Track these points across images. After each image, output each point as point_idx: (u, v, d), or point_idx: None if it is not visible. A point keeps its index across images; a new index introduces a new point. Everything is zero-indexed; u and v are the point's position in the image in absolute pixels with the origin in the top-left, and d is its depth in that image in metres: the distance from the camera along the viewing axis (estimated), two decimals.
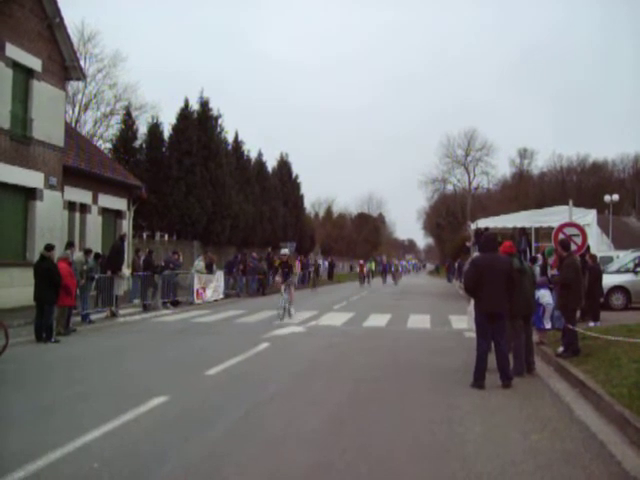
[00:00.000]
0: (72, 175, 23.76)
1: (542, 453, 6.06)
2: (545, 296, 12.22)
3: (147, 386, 9.04)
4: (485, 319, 9.40)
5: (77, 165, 24.68)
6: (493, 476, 5.45)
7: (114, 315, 19.11)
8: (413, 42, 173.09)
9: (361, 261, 47.49)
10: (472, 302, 10.75)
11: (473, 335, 11.10)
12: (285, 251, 21.32)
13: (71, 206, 24.47)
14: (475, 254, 12.81)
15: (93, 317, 17.76)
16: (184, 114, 39.61)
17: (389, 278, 53.49)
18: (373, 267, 50.30)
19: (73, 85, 40.53)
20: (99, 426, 6.75)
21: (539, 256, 16.10)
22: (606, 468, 5.68)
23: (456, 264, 55.39)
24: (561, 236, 14.04)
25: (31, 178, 20.88)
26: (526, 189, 72.19)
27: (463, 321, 14.34)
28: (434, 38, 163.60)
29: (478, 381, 9.20)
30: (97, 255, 18.44)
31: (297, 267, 43.87)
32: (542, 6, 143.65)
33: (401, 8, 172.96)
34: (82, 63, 32.64)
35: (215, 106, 42.15)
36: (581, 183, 73.43)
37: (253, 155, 51.81)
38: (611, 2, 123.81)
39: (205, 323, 17.93)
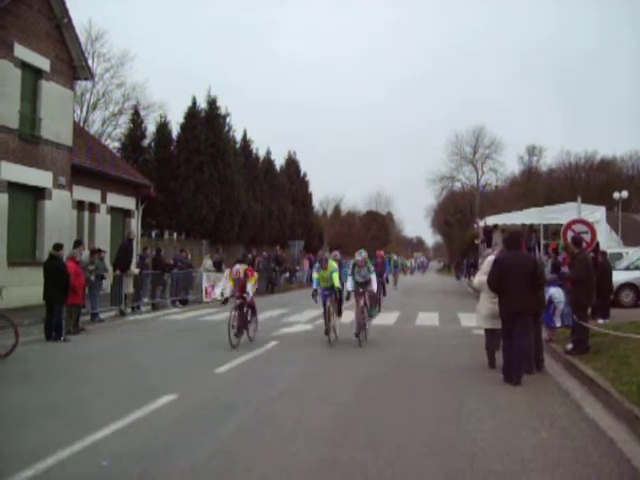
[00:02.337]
0: (81, 174, 23.82)
1: (551, 451, 6.05)
2: (556, 293, 12.20)
3: (156, 384, 9.07)
4: (508, 317, 9.40)
5: (86, 164, 24.73)
6: (502, 474, 5.44)
7: (123, 314, 19.18)
8: (421, 40, 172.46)
9: (237, 266, 13.95)
10: (481, 299, 10.76)
11: (482, 333, 11.11)
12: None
13: (80, 205, 24.56)
14: (488, 251, 12.76)
15: (102, 316, 17.83)
16: (192, 113, 39.59)
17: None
18: (334, 281, 13.76)
19: (81, 85, 40.53)
20: (108, 424, 6.78)
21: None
22: (616, 466, 5.66)
23: (465, 261, 55.36)
24: (570, 233, 14.00)
25: (40, 177, 20.96)
26: (535, 186, 71.76)
27: (472, 319, 14.31)
28: (442, 36, 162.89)
29: (509, 376, 9.24)
30: (99, 250, 18.49)
31: (305, 265, 44.00)
32: (548, 3, 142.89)
33: (408, 6, 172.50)
34: (90, 62, 32.71)
35: (223, 104, 41.97)
36: (590, 180, 72.83)
37: (261, 153, 51.79)
38: (610, 1, 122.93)
39: (214, 321, 17.94)
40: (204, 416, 7.39)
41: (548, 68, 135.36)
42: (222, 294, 17.84)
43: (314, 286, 13.90)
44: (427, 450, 6.10)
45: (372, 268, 14.17)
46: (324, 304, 13.84)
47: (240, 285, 13.53)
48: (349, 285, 13.93)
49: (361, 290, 13.70)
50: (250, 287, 13.42)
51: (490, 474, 5.43)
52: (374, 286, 13.95)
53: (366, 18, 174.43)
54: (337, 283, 13.66)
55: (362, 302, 13.56)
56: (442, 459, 5.83)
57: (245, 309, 13.35)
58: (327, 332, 13.58)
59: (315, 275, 14.06)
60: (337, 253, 16.77)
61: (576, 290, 11.07)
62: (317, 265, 14.16)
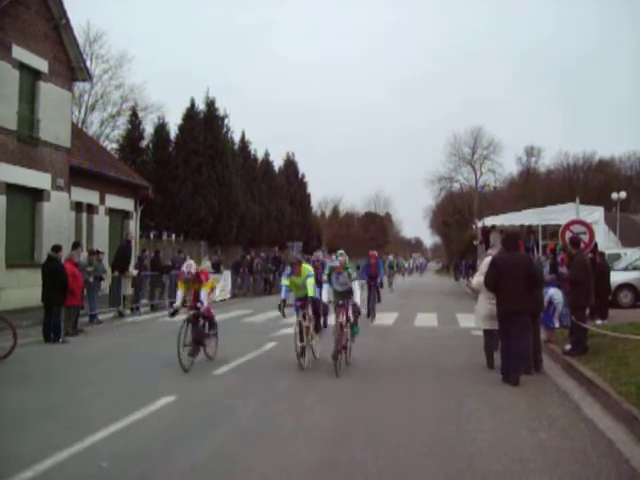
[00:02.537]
0: (79, 176, 23.82)
1: (550, 451, 6.06)
2: (556, 295, 12.21)
3: (155, 386, 9.07)
4: (505, 317, 9.44)
5: (84, 166, 24.74)
6: (501, 474, 5.45)
7: (122, 315, 19.18)
8: (421, 40, 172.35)
9: (190, 261, 12.32)
10: (479, 300, 10.77)
11: (480, 333, 11.12)
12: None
13: (78, 207, 24.57)
14: (490, 251, 12.75)
15: (101, 317, 17.81)
16: (190, 114, 39.63)
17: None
18: (308, 290, 10.91)
19: (79, 86, 40.54)
20: (107, 426, 6.77)
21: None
22: (614, 466, 5.67)
23: (463, 262, 55.37)
24: (568, 234, 14.01)
25: (38, 179, 20.95)
26: (533, 187, 71.84)
27: (470, 319, 14.33)
28: (442, 36, 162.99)
29: (507, 376, 9.29)
30: (97, 252, 18.49)
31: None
32: (548, 3, 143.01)
33: (408, 6, 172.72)
34: (88, 64, 32.64)
35: (222, 106, 42.07)
36: (588, 181, 72.93)
37: (260, 154, 51.83)
38: (610, 1, 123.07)
39: None
40: (203, 417, 7.39)
41: (547, 68, 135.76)
42: (171, 305, 13.15)
43: (282, 295, 11.06)
44: (427, 450, 6.11)
45: (355, 274, 11.27)
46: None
47: (193, 292, 11.24)
48: (325, 295, 11.23)
49: (341, 302, 10.73)
50: (204, 295, 10.98)
51: (489, 474, 5.43)
52: (357, 297, 10.79)
53: (366, 18, 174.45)
54: (311, 292, 10.76)
55: (342, 317, 10.47)
56: (442, 459, 5.83)
57: (201, 322, 11.27)
58: (300, 354, 10.65)
59: (284, 281, 11.13)
60: (319, 254, 13.57)
61: (574, 291, 11.09)
62: (288, 269, 11.23)
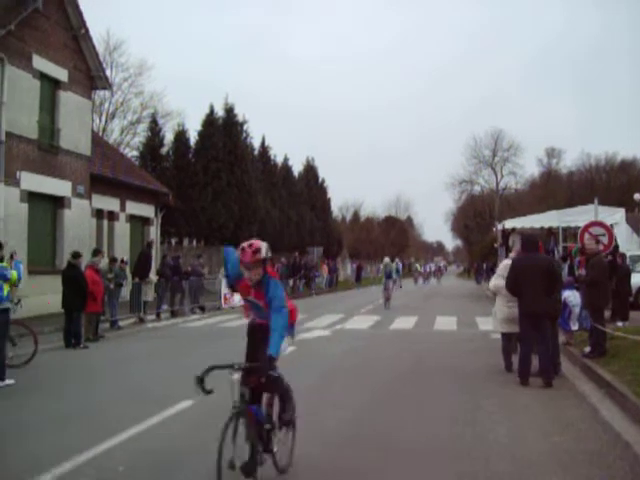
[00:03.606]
0: (100, 183, 24.10)
1: (566, 454, 6.02)
2: (571, 297, 12.12)
3: (173, 390, 9.11)
4: (526, 319, 9.40)
5: (104, 173, 25.03)
6: (516, 477, 5.43)
7: (142, 321, 19.32)
8: (437, 42, 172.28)
9: None
10: (497, 303, 10.74)
11: (498, 336, 11.07)
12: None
13: (99, 214, 24.82)
14: (512, 254, 12.71)
15: (121, 323, 17.98)
16: (209, 120, 39.90)
17: None
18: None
19: (100, 94, 40.91)
20: (125, 430, 6.84)
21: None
22: (630, 469, 5.62)
23: (484, 265, 55.19)
24: (587, 236, 13.92)
25: (59, 187, 21.22)
26: (554, 189, 71.30)
27: (489, 322, 14.26)
28: (459, 38, 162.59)
29: (523, 379, 9.31)
30: (122, 261, 18.71)
31: (324, 270, 44.10)
32: (568, 1, 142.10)
33: (421, 8, 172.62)
34: (108, 72, 33.11)
35: (241, 111, 42.44)
36: (610, 181, 72.31)
37: (279, 160, 52.00)
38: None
39: (232, 328, 17.99)
40: (219, 422, 7.41)
41: (567, 67, 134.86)
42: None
43: None
44: (441, 453, 6.10)
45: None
46: None
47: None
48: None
49: None
50: None
51: (504, 476, 5.42)
52: None
53: (369, 20, 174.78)
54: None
55: None
56: (456, 462, 5.82)
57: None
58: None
59: None
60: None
61: (592, 293, 11.01)
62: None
